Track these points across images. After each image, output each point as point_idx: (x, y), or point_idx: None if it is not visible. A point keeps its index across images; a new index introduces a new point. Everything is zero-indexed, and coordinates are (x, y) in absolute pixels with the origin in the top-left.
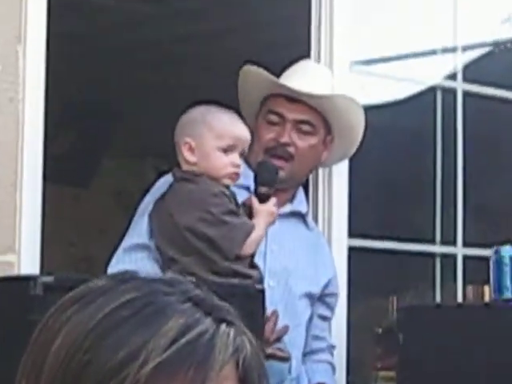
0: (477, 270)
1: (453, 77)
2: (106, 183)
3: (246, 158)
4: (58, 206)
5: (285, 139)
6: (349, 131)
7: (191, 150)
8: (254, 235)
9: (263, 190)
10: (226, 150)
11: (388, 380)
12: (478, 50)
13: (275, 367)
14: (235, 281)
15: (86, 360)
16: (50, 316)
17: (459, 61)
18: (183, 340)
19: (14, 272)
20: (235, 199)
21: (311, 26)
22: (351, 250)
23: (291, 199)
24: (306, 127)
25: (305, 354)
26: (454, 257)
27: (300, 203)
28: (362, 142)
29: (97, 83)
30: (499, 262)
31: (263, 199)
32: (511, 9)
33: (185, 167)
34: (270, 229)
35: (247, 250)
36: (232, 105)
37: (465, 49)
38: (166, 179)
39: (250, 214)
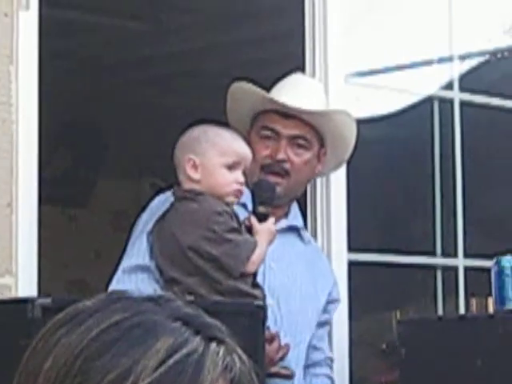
0: (479, 282)
1: (449, 87)
2: (102, 203)
3: None
4: (54, 227)
5: (281, 156)
6: (341, 142)
7: (195, 167)
8: (257, 253)
9: (262, 209)
10: (231, 167)
11: None
12: (474, 60)
13: None
14: (232, 301)
15: (77, 383)
16: (40, 339)
17: (455, 70)
18: (172, 360)
19: (12, 294)
20: (237, 217)
21: (305, 39)
22: (351, 265)
23: (286, 214)
24: (300, 142)
25: (305, 367)
26: (455, 268)
27: (295, 217)
28: (360, 155)
29: (90, 102)
30: (500, 273)
31: (262, 219)
32: (507, 17)
33: (187, 185)
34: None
35: (251, 267)
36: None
37: (461, 58)
38: (164, 197)
39: (250, 233)
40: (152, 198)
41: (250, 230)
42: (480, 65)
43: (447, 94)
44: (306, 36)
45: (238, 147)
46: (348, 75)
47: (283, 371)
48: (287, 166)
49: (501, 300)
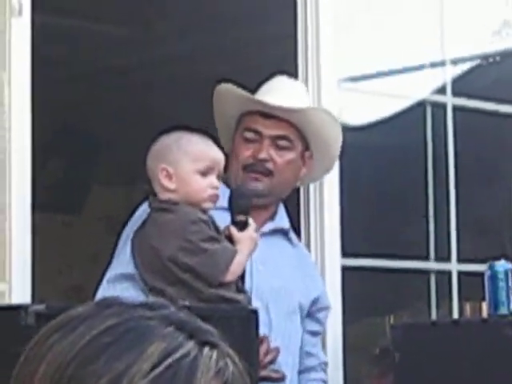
0: (472, 286)
1: (442, 91)
2: (96, 209)
3: (224, 178)
4: (48, 233)
5: (263, 155)
6: (326, 144)
7: (169, 176)
8: (237, 260)
9: (241, 217)
10: (204, 173)
11: None
12: (467, 64)
13: None
14: (224, 306)
15: None
16: (33, 345)
17: (448, 75)
18: (165, 364)
19: (5, 301)
20: (214, 224)
21: (297, 44)
22: (345, 270)
23: (272, 216)
24: (283, 142)
25: (299, 372)
26: (449, 273)
27: (281, 219)
28: (353, 160)
29: (83, 108)
30: (494, 278)
31: (242, 227)
32: (498, 22)
33: (162, 196)
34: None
35: (230, 276)
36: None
37: (453, 63)
38: (146, 207)
39: (231, 242)
40: (138, 207)
41: (230, 239)
42: (472, 69)
43: (440, 98)
44: (299, 41)
45: (210, 152)
46: (340, 80)
47: (274, 374)
48: (270, 165)
49: (494, 304)
